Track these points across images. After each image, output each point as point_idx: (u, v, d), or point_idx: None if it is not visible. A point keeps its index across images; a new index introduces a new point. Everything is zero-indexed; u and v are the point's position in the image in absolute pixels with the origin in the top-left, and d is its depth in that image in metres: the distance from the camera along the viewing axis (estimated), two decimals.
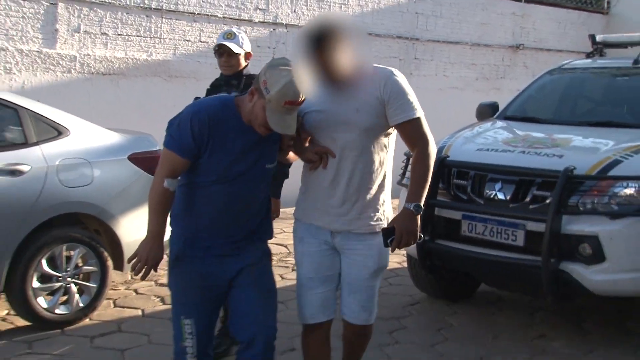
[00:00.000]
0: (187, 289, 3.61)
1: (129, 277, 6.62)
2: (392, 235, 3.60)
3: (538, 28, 14.66)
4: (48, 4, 8.08)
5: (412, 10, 12.28)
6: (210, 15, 9.55)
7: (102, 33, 8.67)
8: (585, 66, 7.71)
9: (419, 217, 3.66)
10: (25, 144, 5.59)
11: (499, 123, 7.14)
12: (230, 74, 4.65)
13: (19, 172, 5.41)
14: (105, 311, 5.94)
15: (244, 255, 3.64)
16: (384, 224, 3.74)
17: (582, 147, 6.00)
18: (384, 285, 6.12)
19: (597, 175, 5.28)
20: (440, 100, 12.28)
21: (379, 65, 3.60)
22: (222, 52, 4.57)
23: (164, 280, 5.59)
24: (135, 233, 5.75)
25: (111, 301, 6.09)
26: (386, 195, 3.80)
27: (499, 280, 6.25)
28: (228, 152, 3.44)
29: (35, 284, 5.45)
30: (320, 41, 3.30)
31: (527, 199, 5.34)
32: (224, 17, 9.72)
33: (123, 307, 6.16)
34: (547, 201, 5.39)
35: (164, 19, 9.15)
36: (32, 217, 5.45)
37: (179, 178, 3.46)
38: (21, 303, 5.47)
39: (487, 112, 7.50)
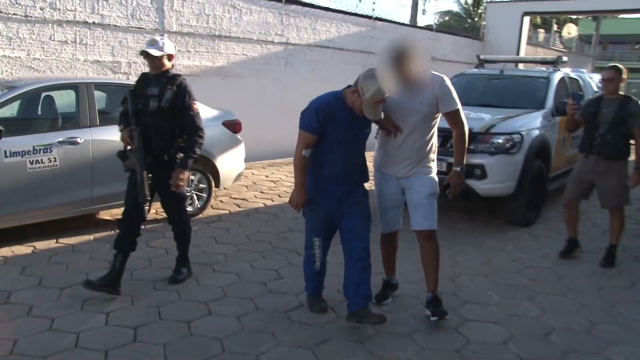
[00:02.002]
0: (317, 219, 3.86)
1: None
2: (448, 189, 3.97)
3: (444, 47, 15.22)
4: None
5: (369, 35, 12.52)
6: (245, 38, 9.87)
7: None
8: (474, 73, 8.43)
9: (464, 174, 3.97)
10: None
11: None
12: (156, 72, 4.20)
13: None
14: (210, 210, 6.72)
15: (353, 194, 3.83)
16: (434, 170, 3.97)
17: (476, 117, 6.47)
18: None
19: (484, 132, 6.11)
20: None
21: (434, 72, 3.75)
22: (145, 56, 4.14)
23: (237, 196, 6.65)
24: (225, 166, 6.64)
25: (210, 205, 6.76)
26: (434, 154, 3.96)
27: None
28: (341, 127, 3.65)
29: None
30: (400, 57, 3.37)
31: (447, 146, 5.65)
32: (256, 39, 10.03)
33: (217, 209, 6.90)
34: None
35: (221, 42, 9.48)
36: None
37: (311, 149, 3.68)
38: None
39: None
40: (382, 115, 3.67)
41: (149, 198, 4.18)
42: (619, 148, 5.22)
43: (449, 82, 3.83)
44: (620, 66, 5.28)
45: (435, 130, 3.90)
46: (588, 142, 5.33)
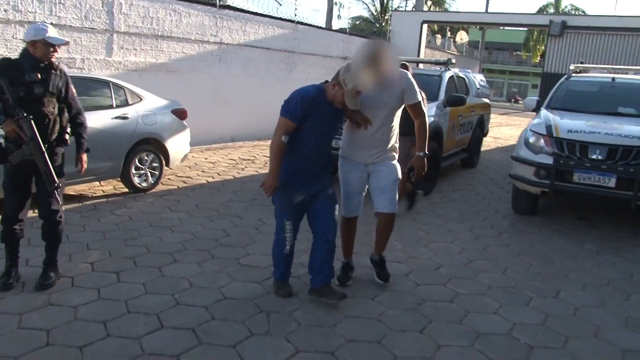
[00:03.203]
0: (289, 202, 3.72)
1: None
2: (412, 172, 3.96)
3: (354, 48, 14.88)
4: None
5: (291, 36, 12.97)
6: (184, 38, 10.14)
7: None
8: None
9: (426, 159, 3.95)
10: (128, 104, 6.54)
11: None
12: (45, 59, 3.63)
13: (126, 118, 6.40)
14: (160, 186, 7.06)
15: (320, 180, 3.77)
16: (396, 156, 4.02)
17: None
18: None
19: None
20: (308, 84, 13.46)
21: (400, 69, 3.77)
22: (47, 44, 3.56)
23: (182, 174, 7.04)
24: (174, 148, 7.01)
25: (160, 182, 7.08)
26: (396, 143, 4.01)
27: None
28: (319, 118, 3.59)
29: (134, 170, 6.55)
30: (376, 57, 3.37)
31: None
32: (194, 39, 10.33)
33: (166, 185, 7.24)
34: None
35: (164, 41, 9.74)
36: (132, 139, 6.43)
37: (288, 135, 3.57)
38: (127, 180, 6.56)
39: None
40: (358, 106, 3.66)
41: (59, 184, 3.79)
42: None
43: (412, 77, 3.92)
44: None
45: (398, 120, 3.96)
46: None
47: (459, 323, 3.71)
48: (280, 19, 12.82)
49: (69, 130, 3.92)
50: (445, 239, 5.66)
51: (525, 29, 34.66)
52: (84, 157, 4.01)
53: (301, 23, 13.52)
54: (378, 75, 3.41)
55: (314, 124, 3.58)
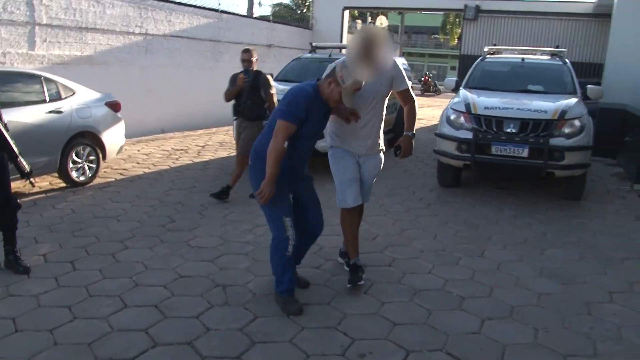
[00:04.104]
0: (284, 200, 3.52)
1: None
2: (399, 150, 3.96)
3: (280, 35, 15.80)
4: None
5: (216, 25, 12.97)
6: (109, 29, 10.03)
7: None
8: (308, 57, 9.50)
9: (413, 140, 3.98)
10: (61, 98, 6.54)
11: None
12: None
13: (60, 112, 6.41)
14: (98, 179, 7.07)
15: (304, 180, 3.72)
16: (383, 148, 4.07)
17: None
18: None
19: None
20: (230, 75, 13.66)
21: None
22: None
23: (117, 167, 7.15)
24: (110, 140, 7.08)
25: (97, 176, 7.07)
26: (382, 133, 4.03)
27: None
28: (316, 119, 3.49)
29: (71, 165, 6.55)
30: (372, 44, 3.36)
31: None
32: (119, 31, 10.23)
33: (104, 178, 7.25)
34: None
35: (88, 34, 9.61)
36: (68, 133, 6.44)
37: None
38: (64, 174, 6.54)
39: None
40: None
41: (29, 170, 4.01)
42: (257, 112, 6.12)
43: (400, 63, 3.95)
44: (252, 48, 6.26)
45: (386, 108, 4.00)
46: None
47: (398, 283, 4.14)
48: (204, 8, 12.80)
49: None
50: (378, 212, 6.09)
51: (442, 13, 35.94)
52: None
53: (225, 12, 13.52)
54: (376, 64, 3.37)
55: (312, 124, 3.47)
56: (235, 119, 6.41)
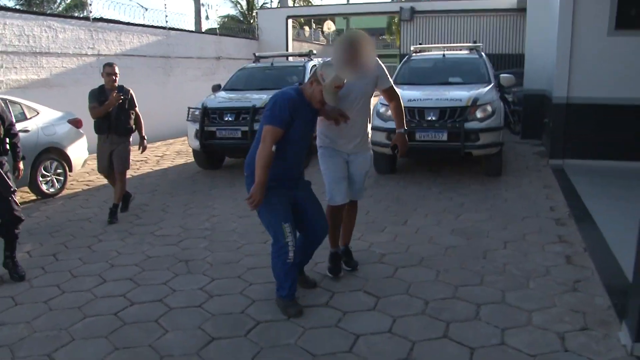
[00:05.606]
0: (282, 205, 3.54)
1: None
2: (397, 149, 4.14)
3: (228, 47, 16.56)
4: None
5: (165, 42, 13.65)
6: (63, 52, 10.66)
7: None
8: (253, 66, 10.23)
9: (406, 135, 4.18)
10: (27, 118, 7.20)
11: (222, 92, 9.28)
12: None
13: (27, 131, 6.96)
14: (66, 191, 7.72)
15: (302, 185, 3.80)
16: (370, 145, 4.20)
17: (257, 97, 8.08)
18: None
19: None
20: (186, 86, 13.99)
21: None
22: None
23: (82, 179, 7.80)
24: (75, 154, 7.71)
25: (66, 187, 7.73)
26: (369, 130, 4.16)
27: None
28: (303, 121, 3.53)
29: (40, 178, 7.19)
30: (355, 46, 3.43)
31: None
32: (72, 53, 10.88)
33: (71, 189, 7.89)
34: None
35: (43, 57, 10.26)
36: (36, 149, 7.04)
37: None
38: (35, 187, 7.15)
39: (216, 88, 9.66)
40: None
41: (14, 188, 4.29)
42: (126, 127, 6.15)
43: (382, 65, 4.03)
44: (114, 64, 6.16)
45: (370, 107, 4.15)
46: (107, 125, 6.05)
47: (328, 248, 4.99)
48: (152, 26, 13.49)
49: (7, 140, 4.37)
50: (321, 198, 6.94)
51: (386, 15, 37.24)
52: (21, 164, 4.53)
53: (173, 29, 14.21)
54: (357, 65, 3.43)
55: (298, 127, 3.51)
56: (101, 136, 6.20)
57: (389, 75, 4.07)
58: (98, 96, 6.02)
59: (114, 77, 6.04)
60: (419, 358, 3.11)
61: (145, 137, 6.45)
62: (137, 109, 6.27)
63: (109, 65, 6.11)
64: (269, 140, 3.37)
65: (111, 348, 3.31)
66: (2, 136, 4.28)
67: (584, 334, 3.33)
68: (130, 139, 6.30)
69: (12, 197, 4.25)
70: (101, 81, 6.22)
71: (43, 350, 3.30)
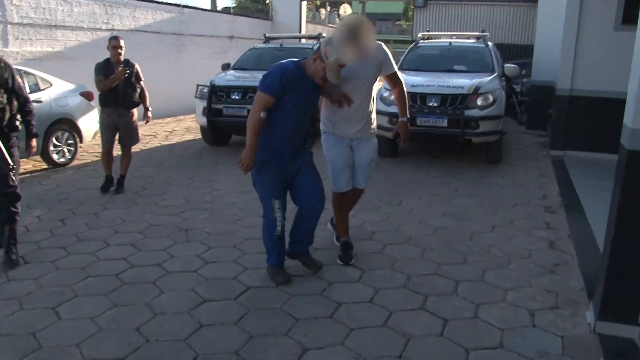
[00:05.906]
0: (273, 181, 3.66)
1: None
2: (399, 137, 4.18)
3: (241, 27, 16.57)
4: None
5: (179, 20, 13.76)
6: (77, 26, 10.89)
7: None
8: (263, 47, 10.28)
9: (408, 123, 4.15)
10: (40, 89, 7.42)
11: (231, 71, 9.51)
12: None
13: (40, 101, 7.18)
14: (76, 161, 7.98)
15: (300, 157, 3.75)
16: (375, 131, 4.17)
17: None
18: None
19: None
20: (198, 64, 13.99)
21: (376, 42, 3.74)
22: None
23: (92, 151, 8.11)
24: (86, 126, 7.93)
25: (76, 158, 7.98)
26: (373, 116, 4.12)
27: None
28: (298, 95, 3.53)
29: (52, 148, 7.45)
30: (357, 31, 3.39)
31: None
32: (87, 28, 11.09)
33: (81, 160, 8.14)
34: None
35: (58, 31, 10.54)
36: (48, 120, 7.26)
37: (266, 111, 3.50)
38: (47, 156, 7.42)
39: (226, 67, 9.85)
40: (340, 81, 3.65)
41: (13, 166, 4.04)
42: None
43: (387, 49, 4.01)
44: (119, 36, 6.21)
45: (373, 93, 4.08)
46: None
47: (325, 225, 5.21)
48: (167, 3, 13.64)
49: (19, 117, 4.19)
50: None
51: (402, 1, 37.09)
52: (34, 141, 4.35)
53: (187, 7, 14.24)
54: (359, 49, 3.42)
55: (292, 101, 3.53)
56: (105, 109, 6.21)
57: (393, 61, 4.06)
58: (104, 69, 6.06)
59: (119, 50, 6.08)
60: (394, 326, 3.33)
61: (150, 109, 6.59)
62: (142, 82, 6.35)
63: (115, 38, 6.16)
64: (258, 106, 3.49)
65: (110, 305, 3.57)
66: (14, 112, 4.16)
67: (553, 312, 3.54)
68: (136, 113, 6.45)
69: (10, 174, 4.03)
70: None
71: (48, 304, 3.56)
